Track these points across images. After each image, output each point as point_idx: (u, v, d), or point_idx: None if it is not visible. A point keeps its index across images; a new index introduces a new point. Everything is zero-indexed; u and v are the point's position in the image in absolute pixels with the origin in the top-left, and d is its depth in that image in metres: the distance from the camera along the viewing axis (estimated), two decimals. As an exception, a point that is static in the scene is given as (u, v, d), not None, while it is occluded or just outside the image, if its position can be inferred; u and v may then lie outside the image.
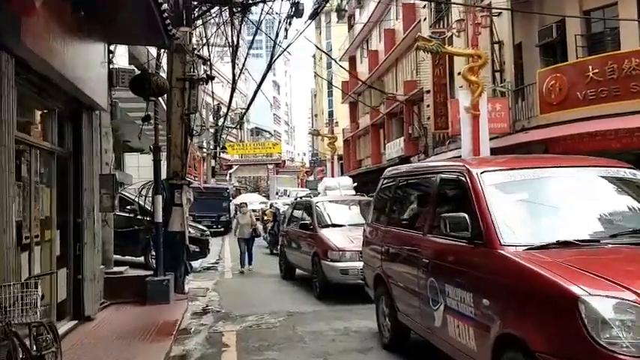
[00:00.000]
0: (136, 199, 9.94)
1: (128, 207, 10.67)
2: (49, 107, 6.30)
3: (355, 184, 13.19)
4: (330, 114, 52.55)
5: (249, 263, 12.28)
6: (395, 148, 27.37)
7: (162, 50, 9.19)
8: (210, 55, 9.72)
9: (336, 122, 39.29)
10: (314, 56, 69.84)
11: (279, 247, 11.95)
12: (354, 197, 10.75)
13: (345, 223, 8.98)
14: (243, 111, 30.86)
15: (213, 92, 34.66)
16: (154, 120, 8.18)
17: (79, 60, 6.02)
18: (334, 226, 8.95)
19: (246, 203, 15.81)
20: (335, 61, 23.53)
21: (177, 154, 8.59)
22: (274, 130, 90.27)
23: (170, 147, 8.61)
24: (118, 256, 10.78)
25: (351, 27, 40.65)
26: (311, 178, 56.05)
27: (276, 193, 40.18)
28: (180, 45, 8.26)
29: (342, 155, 40.32)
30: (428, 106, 22.42)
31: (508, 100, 15.09)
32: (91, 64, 6.66)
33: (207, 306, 8.20)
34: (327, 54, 37.10)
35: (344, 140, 39.81)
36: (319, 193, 12.36)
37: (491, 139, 13.70)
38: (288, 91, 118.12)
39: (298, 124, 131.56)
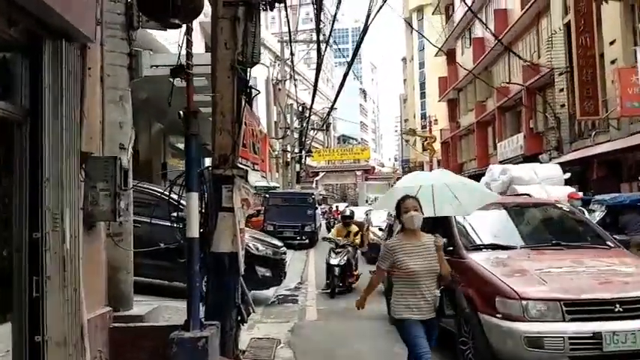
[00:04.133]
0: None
1: (175, 214, 7.51)
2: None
3: (568, 174, 9.25)
4: (423, 116, 48.20)
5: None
6: (511, 146, 22.78)
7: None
8: None
9: (435, 120, 34.95)
10: (404, 59, 66.08)
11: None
12: (541, 200, 6.91)
13: (516, 244, 5.20)
14: (329, 110, 27.62)
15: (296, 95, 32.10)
16: (186, 68, 4.89)
17: None
18: (495, 247, 5.21)
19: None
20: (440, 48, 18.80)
21: (226, 127, 5.26)
22: (361, 138, 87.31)
23: (214, 115, 5.30)
24: (163, 282, 7.81)
25: (449, 17, 36.34)
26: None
27: (366, 201, 36.70)
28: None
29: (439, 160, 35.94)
30: (561, 90, 17.82)
31: None
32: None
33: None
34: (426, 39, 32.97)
35: (442, 142, 35.41)
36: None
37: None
38: (375, 99, 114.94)
39: (385, 132, 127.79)
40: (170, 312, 6.80)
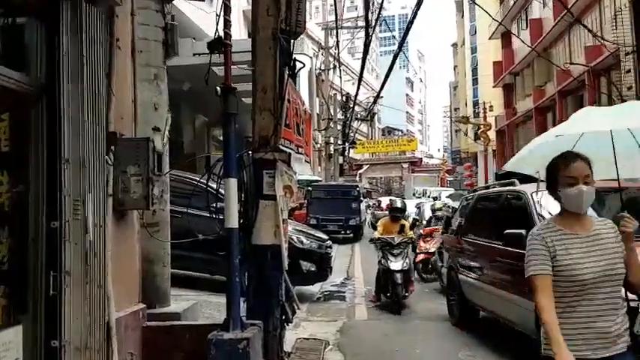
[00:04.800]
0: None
1: (215, 205, 7.06)
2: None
3: None
4: (475, 104, 46.45)
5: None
6: (573, 133, 21.28)
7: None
8: None
9: (491, 106, 33.38)
10: (454, 45, 64.04)
11: (442, 268, 7.53)
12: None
13: None
14: (374, 99, 26.81)
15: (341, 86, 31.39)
16: (224, 40, 4.35)
17: None
18: None
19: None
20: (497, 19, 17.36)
21: (267, 105, 4.71)
22: (407, 130, 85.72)
23: (255, 92, 4.75)
24: (205, 275, 7.43)
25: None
26: (450, 178, 50.41)
27: (413, 194, 35.64)
28: None
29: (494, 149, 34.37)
30: (628, 71, 16.38)
31: None
32: None
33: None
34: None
35: (496, 131, 33.83)
36: (471, 192, 8.10)
37: None
38: (422, 88, 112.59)
39: (432, 123, 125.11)
40: (211, 308, 6.39)
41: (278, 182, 4.67)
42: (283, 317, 4.88)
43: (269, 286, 4.77)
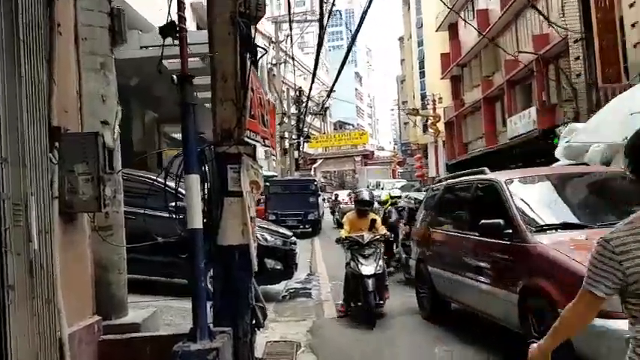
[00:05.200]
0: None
1: (174, 204, 6.61)
2: None
3: None
4: (423, 97, 47.18)
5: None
6: (523, 121, 21.88)
7: None
8: None
9: (440, 98, 33.92)
10: (401, 38, 64.84)
11: (410, 261, 7.35)
12: (604, 169, 5.66)
13: (590, 222, 4.26)
14: (327, 94, 26.71)
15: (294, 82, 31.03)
16: (179, 23, 3.97)
17: None
18: (566, 227, 4.25)
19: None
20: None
21: (229, 95, 4.36)
22: (357, 124, 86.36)
23: (214, 82, 4.39)
24: (163, 279, 7.02)
25: (447, -8, 35.16)
26: (401, 169, 51.05)
27: (367, 187, 35.85)
28: None
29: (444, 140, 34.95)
30: (577, 58, 16.89)
31: None
32: None
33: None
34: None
35: (445, 123, 34.42)
36: (420, 184, 7.78)
37: None
38: (370, 83, 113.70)
39: (381, 117, 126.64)
40: (172, 314, 5.99)
41: (244, 177, 4.34)
42: (254, 322, 4.57)
43: (237, 289, 4.44)
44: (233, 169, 4.38)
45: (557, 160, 11.71)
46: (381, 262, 6.49)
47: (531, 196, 4.77)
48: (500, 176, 5.05)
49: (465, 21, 19.77)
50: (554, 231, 4.22)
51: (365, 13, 10.28)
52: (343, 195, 26.94)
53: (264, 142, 4.57)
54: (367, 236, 6.58)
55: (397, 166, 49.65)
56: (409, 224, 8.69)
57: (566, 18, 16.55)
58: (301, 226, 17.96)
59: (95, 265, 4.30)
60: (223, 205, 4.38)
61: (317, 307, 7.28)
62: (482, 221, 4.49)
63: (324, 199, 25.36)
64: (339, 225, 5.73)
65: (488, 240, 4.54)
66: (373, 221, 6.92)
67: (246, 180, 4.38)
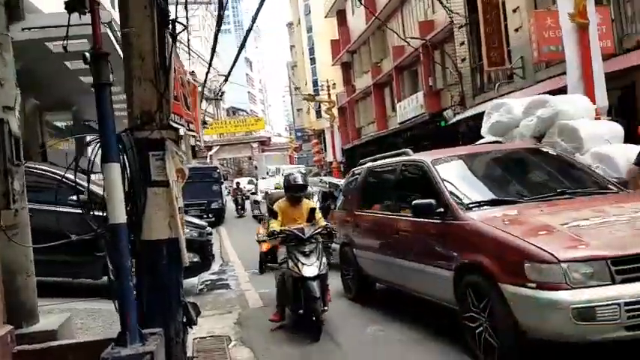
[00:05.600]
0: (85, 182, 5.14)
1: (76, 197, 5.91)
2: None
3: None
4: (315, 83, 47.74)
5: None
6: (411, 105, 22.95)
7: None
8: None
9: (334, 84, 34.46)
10: (289, 24, 64.81)
11: (332, 245, 7.28)
12: (521, 145, 5.93)
13: (517, 197, 4.45)
14: (224, 78, 25.96)
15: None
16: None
17: None
18: (495, 203, 4.34)
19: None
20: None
21: (147, 75, 3.96)
22: (250, 110, 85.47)
23: (129, 60, 3.96)
24: (67, 280, 6.42)
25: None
26: (297, 155, 51.44)
27: (267, 173, 35.67)
28: None
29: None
30: (462, 44, 17.98)
31: (610, 9, 10.70)
32: None
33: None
34: None
35: (338, 108, 35.12)
36: (318, 168, 7.46)
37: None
38: (261, 68, 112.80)
39: (274, 103, 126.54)
40: (82, 317, 5.45)
41: (169, 165, 3.98)
42: (185, 320, 4.26)
43: (167, 286, 4.09)
44: (156, 156, 4.00)
45: (450, 143, 12.26)
46: (324, 260, 5.41)
47: (457, 175, 4.87)
48: (426, 157, 5.14)
49: (363, 5, 19.98)
50: (485, 207, 4.30)
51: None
52: (244, 182, 26.46)
53: (188, 126, 4.23)
54: (308, 230, 5.46)
55: (294, 152, 49.92)
56: (324, 208, 8.69)
57: (451, 4, 17.50)
58: (205, 216, 17.37)
59: (2, 270, 3.75)
60: (147, 197, 4.00)
61: (240, 298, 7.02)
62: (414, 202, 4.50)
63: (226, 188, 24.75)
64: (272, 213, 4.79)
65: (420, 220, 4.58)
66: (312, 210, 5.80)
67: (172, 168, 4.02)
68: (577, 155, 5.94)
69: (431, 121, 21.20)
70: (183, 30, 4.18)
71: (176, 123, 4.01)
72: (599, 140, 6.17)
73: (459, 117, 17.76)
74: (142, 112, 3.98)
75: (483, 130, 7.32)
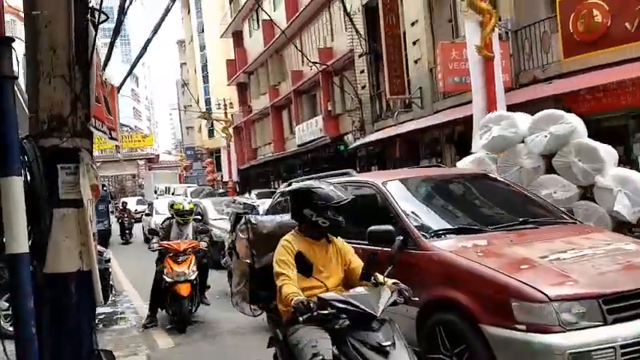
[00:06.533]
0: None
1: None
2: None
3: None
4: (208, 101, 46.54)
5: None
6: (310, 128, 23.07)
7: None
8: None
9: (231, 103, 33.62)
10: (181, 41, 62.99)
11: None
12: (470, 171, 5.68)
13: (481, 226, 4.03)
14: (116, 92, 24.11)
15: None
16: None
17: None
18: (461, 231, 3.95)
19: None
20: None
21: (59, 71, 3.24)
22: (135, 126, 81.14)
23: (36, 52, 3.22)
24: None
25: (232, -2, 35.34)
26: (187, 174, 49.41)
27: (155, 192, 33.65)
28: None
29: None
30: (362, 72, 18.44)
31: (509, 44, 11.50)
32: None
33: None
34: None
35: (234, 128, 34.41)
36: (212, 188, 6.80)
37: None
38: (147, 84, 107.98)
39: (160, 120, 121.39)
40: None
41: (84, 180, 3.28)
42: (97, 369, 3.50)
43: (75, 330, 3.34)
44: (66, 169, 3.29)
45: (349, 166, 11.85)
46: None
47: (412, 200, 4.46)
48: (374, 178, 4.71)
49: (270, 18, 19.49)
50: (450, 236, 3.88)
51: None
52: (132, 203, 24.45)
53: (110, 133, 3.54)
54: (370, 297, 3.95)
55: (184, 171, 47.85)
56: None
57: (352, 33, 17.87)
58: (88, 240, 15.59)
59: None
60: (53, 219, 3.25)
61: (146, 337, 6.12)
62: (371, 228, 3.77)
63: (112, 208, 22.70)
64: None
65: (375, 248, 3.71)
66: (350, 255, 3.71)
67: (87, 184, 3.33)
68: (597, 178, 5.51)
69: (330, 145, 21.42)
70: (106, 20, 3.51)
71: (97, 129, 3.33)
72: (614, 162, 5.77)
73: (359, 142, 18.06)
74: (51, 115, 3.26)
75: (478, 145, 6.75)
